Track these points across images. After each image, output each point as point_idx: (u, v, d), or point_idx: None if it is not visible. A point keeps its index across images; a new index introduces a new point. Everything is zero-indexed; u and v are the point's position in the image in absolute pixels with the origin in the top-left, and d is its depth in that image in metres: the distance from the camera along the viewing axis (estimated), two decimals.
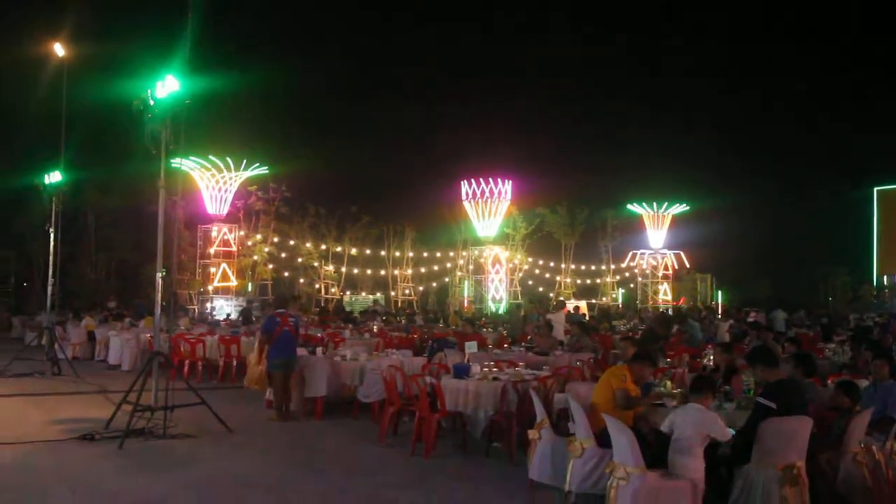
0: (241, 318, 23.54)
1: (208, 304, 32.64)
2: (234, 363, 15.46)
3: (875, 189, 52.24)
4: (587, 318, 26.48)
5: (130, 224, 35.64)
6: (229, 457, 8.75)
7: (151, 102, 10.10)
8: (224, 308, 30.90)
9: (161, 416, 9.56)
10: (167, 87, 10.03)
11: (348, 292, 40.50)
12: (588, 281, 46.23)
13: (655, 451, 6.15)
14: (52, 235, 16.75)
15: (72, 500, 6.84)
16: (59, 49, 16.69)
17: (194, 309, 31.74)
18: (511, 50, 61.32)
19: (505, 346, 14.98)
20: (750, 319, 21.22)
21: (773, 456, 6.07)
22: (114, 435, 9.30)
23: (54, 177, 16.88)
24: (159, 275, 10.26)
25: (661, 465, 5.92)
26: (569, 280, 45.30)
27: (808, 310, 28.60)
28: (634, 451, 5.82)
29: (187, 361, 15.57)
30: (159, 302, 10.48)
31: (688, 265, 45.38)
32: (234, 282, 34.33)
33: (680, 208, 43.92)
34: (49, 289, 17.11)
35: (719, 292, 47.11)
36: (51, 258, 16.85)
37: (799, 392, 6.62)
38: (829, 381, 8.51)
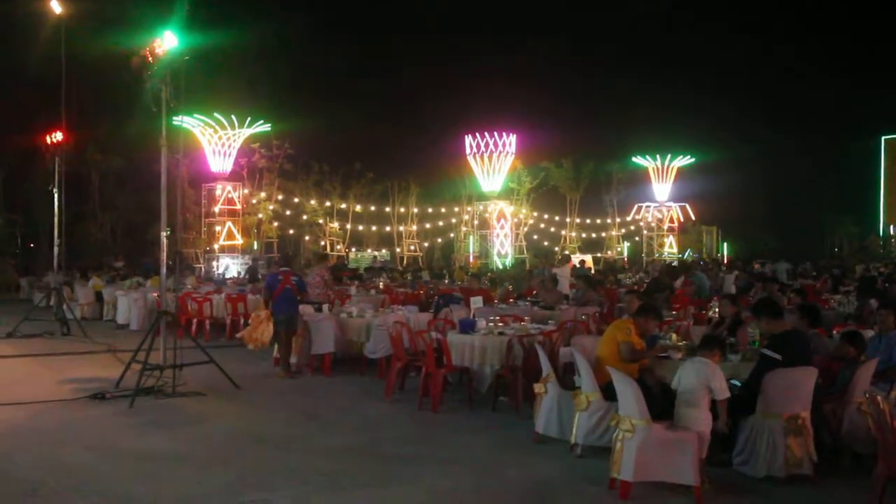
0: (247, 276, 23.64)
1: (214, 263, 32.75)
2: (241, 321, 15.56)
3: (882, 138, 51.82)
4: (592, 272, 26.48)
5: (135, 183, 35.61)
6: (238, 414, 8.85)
7: (151, 59, 10.00)
8: (230, 266, 31.00)
9: (170, 375, 9.66)
10: (166, 43, 9.92)
11: (353, 249, 40.57)
12: (593, 235, 46.22)
13: (661, 403, 6.20)
14: (56, 196, 16.74)
15: (86, 457, 6.93)
16: (56, 6, 16.47)
17: (200, 268, 31.86)
18: (514, 3, 60.44)
19: (510, 300, 15.01)
20: (756, 270, 21.24)
21: (778, 406, 6.12)
22: (124, 394, 9.40)
23: (57, 137, 16.82)
24: (164, 234, 10.27)
25: (667, 417, 5.97)
26: (574, 234, 45.29)
27: (813, 261, 28.58)
28: (640, 404, 5.86)
29: (195, 320, 15.68)
30: (165, 261, 10.51)
31: (693, 218, 45.24)
32: (239, 240, 34.38)
33: (685, 160, 43.62)
34: (55, 249, 17.16)
35: (725, 244, 47.09)
36: (56, 219, 16.87)
37: (803, 343, 6.64)
38: (835, 332, 8.53)
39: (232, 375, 10.21)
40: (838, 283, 18.40)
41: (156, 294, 15.42)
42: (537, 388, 7.44)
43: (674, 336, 7.58)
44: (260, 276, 22.76)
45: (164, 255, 10.41)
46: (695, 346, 7.48)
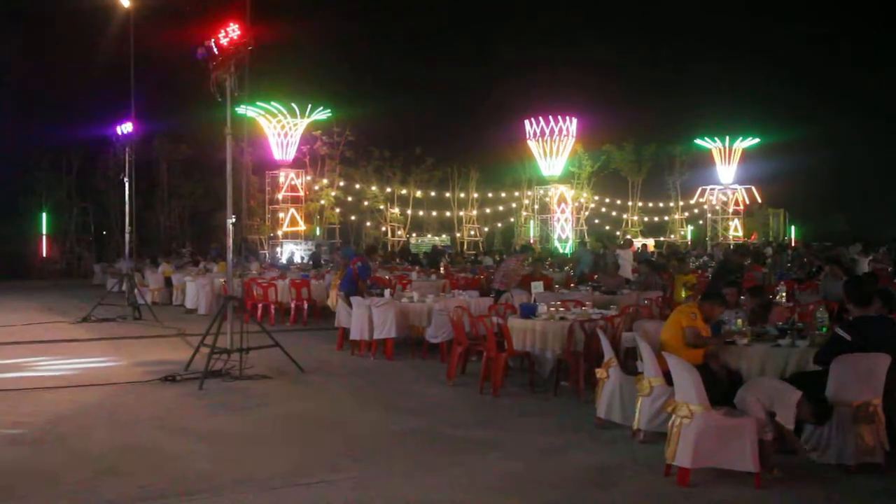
0: (310, 262, 23.98)
1: (278, 249, 33.31)
2: (305, 306, 15.82)
3: None
4: (655, 255, 26.11)
5: (201, 171, 36.42)
6: (303, 396, 9.01)
7: (216, 50, 10.19)
8: (294, 252, 31.52)
9: (237, 358, 9.88)
10: (231, 33, 10.09)
11: (414, 234, 40.78)
12: (656, 218, 45.59)
13: (726, 389, 6.10)
14: (126, 185, 17.23)
15: (158, 437, 7.17)
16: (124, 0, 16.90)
17: (265, 253, 32.45)
18: None
19: (571, 286, 14.91)
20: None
21: (849, 393, 5.97)
22: (193, 376, 9.66)
23: (126, 128, 17.28)
24: (230, 221, 10.49)
25: (730, 404, 5.87)
26: (636, 218, 44.72)
27: (890, 244, 27.58)
28: (698, 389, 5.77)
29: (260, 305, 15.99)
30: (231, 247, 10.74)
31: (759, 200, 44.19)
32: (302, 226, 34.91)
33: (750, 142, 42.58)
34: (126, 237, 17.68)
35: (792, 227, 45.90)
36: (126, 207, 17.37)
37: (886, 329, 6.39)
38: None
39: (296, 359, 10.41)
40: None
41: (223, 279, 15.78)
42: (599, 373, 7.40)
43: (739, 322, 7.43)
44: (323, 262, 23.09)
45: (230, 241, 10.64)
46: (762, 332, 7.35)
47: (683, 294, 12.44)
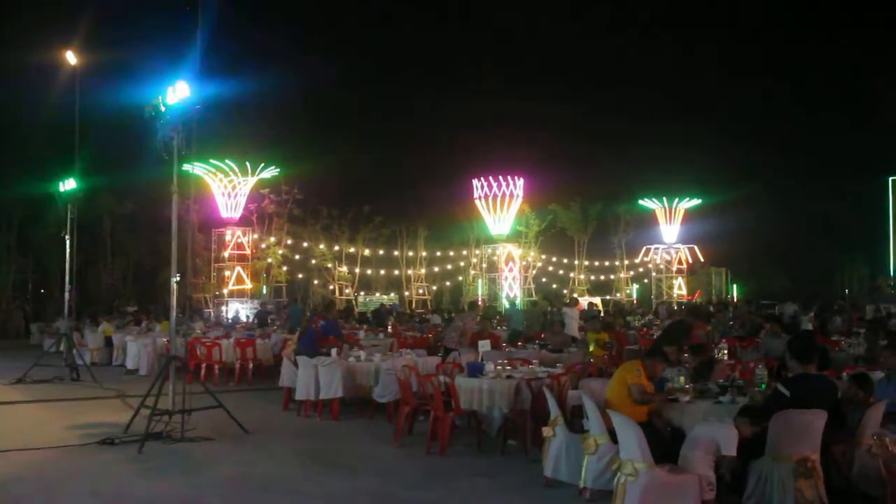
0: (256, 321, 23.68)
1: (223, 308, 32.82)
2: (251, 366, 15.58)
3: (890, 179, 51.79)
4: (601, 314, 26.40)
5: (146, 228, 35.91)
6: (247, 458, 8.83)
7: (163, 108, 10.19)
8: (240, 311, 31.06)
9: (179, 420, 9.66)
10: (178, 92, 10.11)
11: (362, 293, 40.61)
12: (602, 277, 46.19)
13: (669, 446, 6.18)
14: (67, 242, 16.90)
15: (95, 503, 6.93)
16: (71, 57, 16.82)
17: (210, 312, 31.93)
18: (518, 47, 61.35)
19: (519, 343, 14.99)
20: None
21: (788, 448, 6.09)
22: (133, 439, 9.39)
23: (69, 184, 17.04)
24: (174, 279, 10.35)
25: (673, 460, 5.94)
26: (583, 276, 45.25)
27: (823, 301, 28.32)
28: (643, 446, 5.85)
29: (203, 365, 15.69)
30: (175, 306, 10.58)
31: (702, 259, 45.20)
32: (248, 284, 34.51)
33: (692, 202, 43.75)
34: (66, 295, 17.26)
35: (734, 286, 46.94)
36: (67, 265, 17.01)
37: (822, 386, 6.56)
38: (845, 374, 8.49)
39: (241, 420, 10.21)
40: (826, 324, 18.37)
41: (165, 339, 15.47)
42: (546, 431, 7.42)
43: (682, 379, 7.56)
44: (269, 321, 22.83)
45: (174, 300, 10.49)
46: (704, 389, 7.48)
47: (591, 349, 12.55)
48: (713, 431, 5.89)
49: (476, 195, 39.23)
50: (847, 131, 53.73)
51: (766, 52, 61.26)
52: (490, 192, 38.67)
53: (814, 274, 49.48)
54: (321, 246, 38.63)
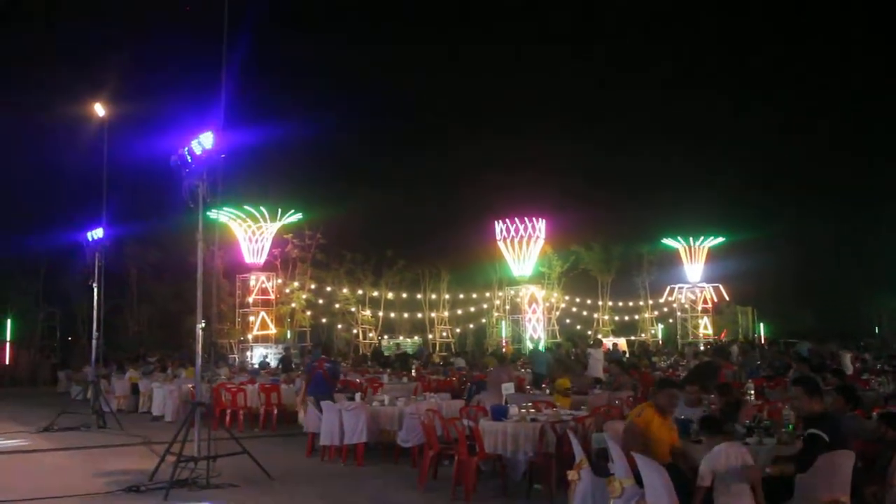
0: (280, 366, 23.72)
1: (248, 353, 32.93)
2: (275, 411, 15.60)
3: None
4: (626, 355, 26.21)
5: (171, 275, 36.28)
6: None
7: (189, 158, 10.41)
8: (265, 356, 31.14)
9: (204, 466, 9.68)
10: (204, 142, 10.32)
11: (386, 336, 40.60)
12: (626, 317, 45.83)
13: (693, 489, 6.10)
14: (95, 290, 17.13)
15: None
16: (99, 109, 17.25)
17: (234, 357, 32.05)
18: (538, 87, 61.85)
19: (544, 386, 14.88)
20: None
21: (818, 491, 5.99)
22: (159, 486, 9.42)
23: (97, 233, 17.33)
24: (199, 326, 10.46)
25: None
26: (607, 317, 44.95)
27: (842, 340, 27.73)
28: (669, 491, 5.78)
29: (229, 410, 15.73)
30: (200, 352, 10.67)
31: (727, 298, 44.75)
32: (272, 329, 34.65)
33: (715, 241, 43.49)
34: (94, 343, 17.44)
35: (761, 325, 46.38)
36: (95, 313, 17.22)
37: (839, 426, 6.51)
38: (874, 413, 8.36)
39: (265, 466, 10.21)
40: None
41: (191, 385, 15.55)
42: (571, 475, 7.35)
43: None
44: (294, 366, 22.87)
45: (199, 347, 10.58)
46: (730, 430, 7.39)
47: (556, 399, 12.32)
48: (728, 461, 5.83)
49: (498, 237, 39.32)
50: (870, 164, 53.27)
51: (783, 87, 61.17)
52: (512, 233, 38.77)
53: (841, 310, 48.70)
54: (345, 290, 38.77)
